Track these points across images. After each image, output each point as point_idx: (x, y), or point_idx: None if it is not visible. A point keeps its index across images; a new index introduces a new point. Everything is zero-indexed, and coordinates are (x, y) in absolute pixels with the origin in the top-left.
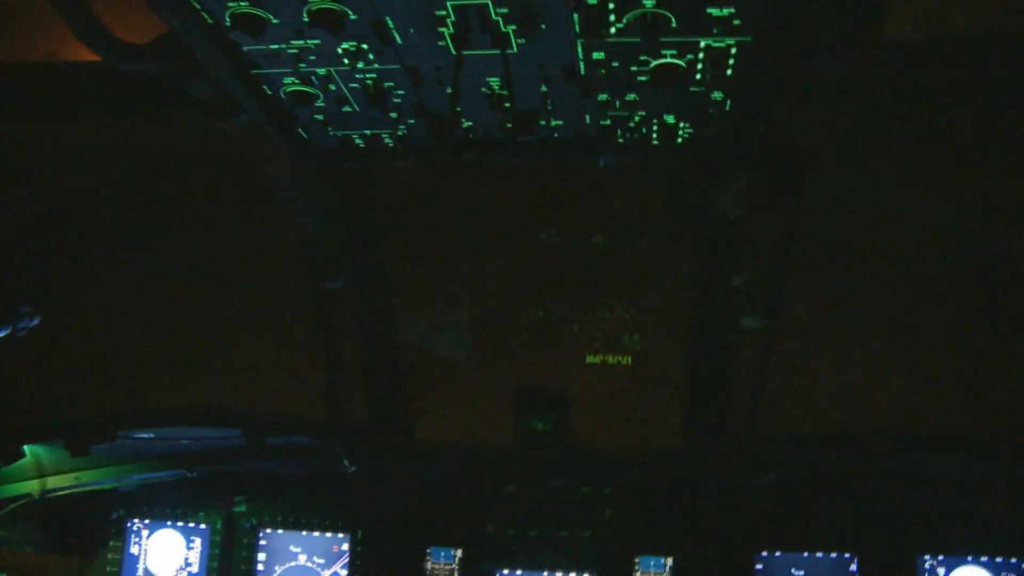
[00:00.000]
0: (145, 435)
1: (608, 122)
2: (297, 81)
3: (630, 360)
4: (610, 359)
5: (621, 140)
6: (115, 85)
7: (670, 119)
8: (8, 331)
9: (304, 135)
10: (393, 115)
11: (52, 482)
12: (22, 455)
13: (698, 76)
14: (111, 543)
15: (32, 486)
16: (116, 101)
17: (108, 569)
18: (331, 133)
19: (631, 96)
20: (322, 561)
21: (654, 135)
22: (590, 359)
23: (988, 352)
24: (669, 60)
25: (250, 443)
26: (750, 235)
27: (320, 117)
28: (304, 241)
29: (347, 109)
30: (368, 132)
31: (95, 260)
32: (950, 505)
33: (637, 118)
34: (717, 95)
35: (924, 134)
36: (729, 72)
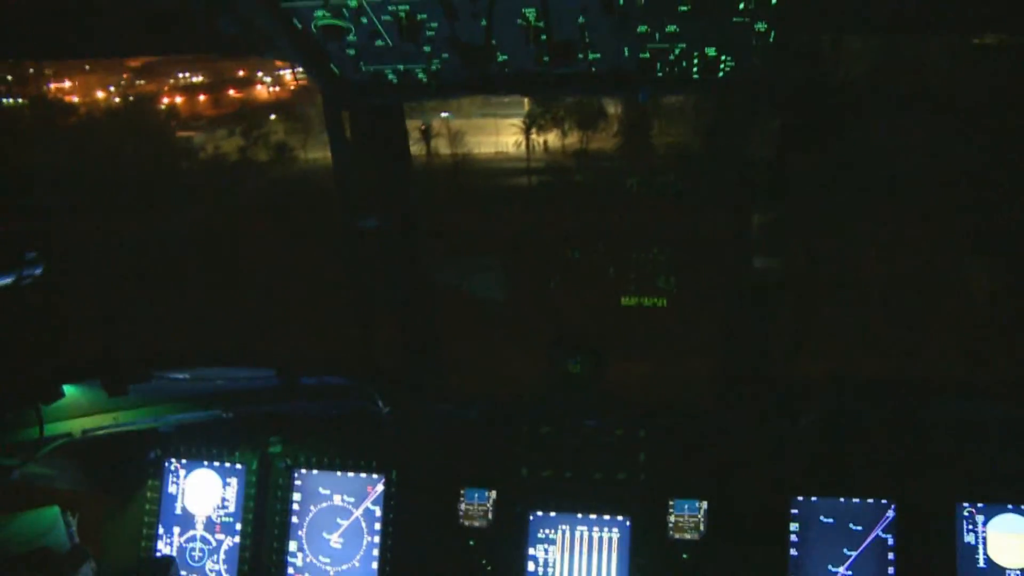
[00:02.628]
0: (181, 376)
1: (647, 55)
2: (328, 14)
3: (666, 303)
4: (646, 301)
5: (660, 74)
6: (140, 22)
7: (711, 52)
8: (13, 279)
9: (336, 71)
10: (426, 49)
11: (91, 422)
12: (62, 395)
13: (741, 6)
14: (149, 482)
15: (72, 426)
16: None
17: (147, 507)
18: (363, 68)
19: (671, 28)
20: (353, 500)
21: (694, 69)
22: (625, 301)
23: None
24: None
25: (285, 384)
26: (791, 175)
27: (352, 52)
28: (336, 179)
29: (379, 43)
30: (401, 67)
31: (131, 208)
32: (990, 453)
33: (677, 51)
34: (760, 26)
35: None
36: (774, 1)
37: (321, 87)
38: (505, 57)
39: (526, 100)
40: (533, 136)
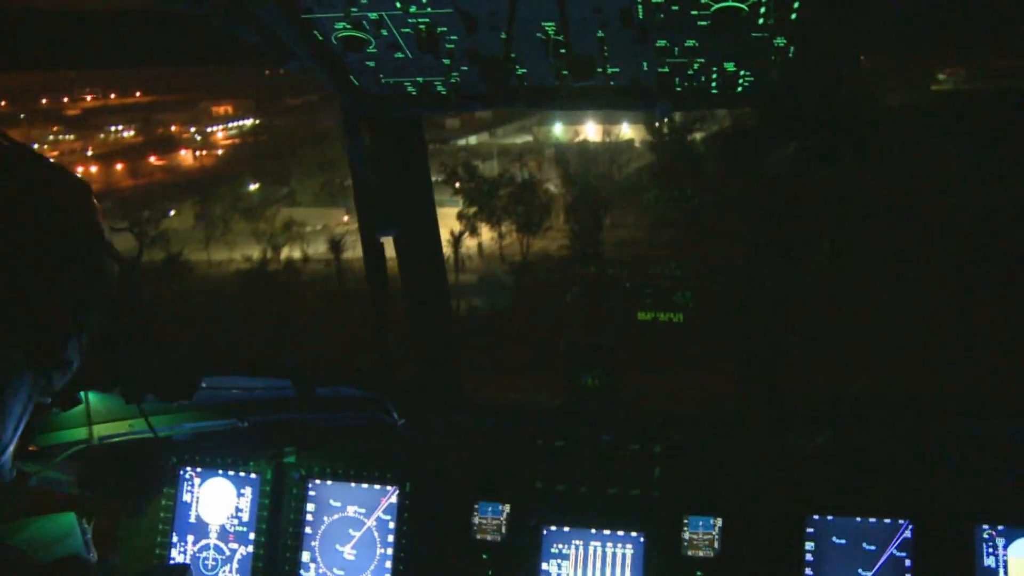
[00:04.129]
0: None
1: (666, 69)
2: (349, 26)
3: (682, 318)
4: (662, 316)
5: (679, 89)
6: (162, 32)
7: (730, 67)
8: None
9: (356, 82)
10: (446, 62)
11: (108, 429)
12: (79, 402)
13: (760, 21)
14: (164, 490)
15: (89, 432)
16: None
17: (161, 515)
18: (383, 80)
19: (690, 42)
20: (365, 511)
21: (713, 84)
22: (642, 316)
23: None
24: (731, 3)
25: (300, 394)
26: (807, 192)
27: (372, 64)
28: (355, 190)
29: (399, 56)
30: (420, 79)
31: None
32: (1011, 474)
33: (696, 66)
34: (780, 41)
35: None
36: (793, 16)
37: (341, 98)
38: (524, 71)
39: (460, 197)
40: (465, 239)
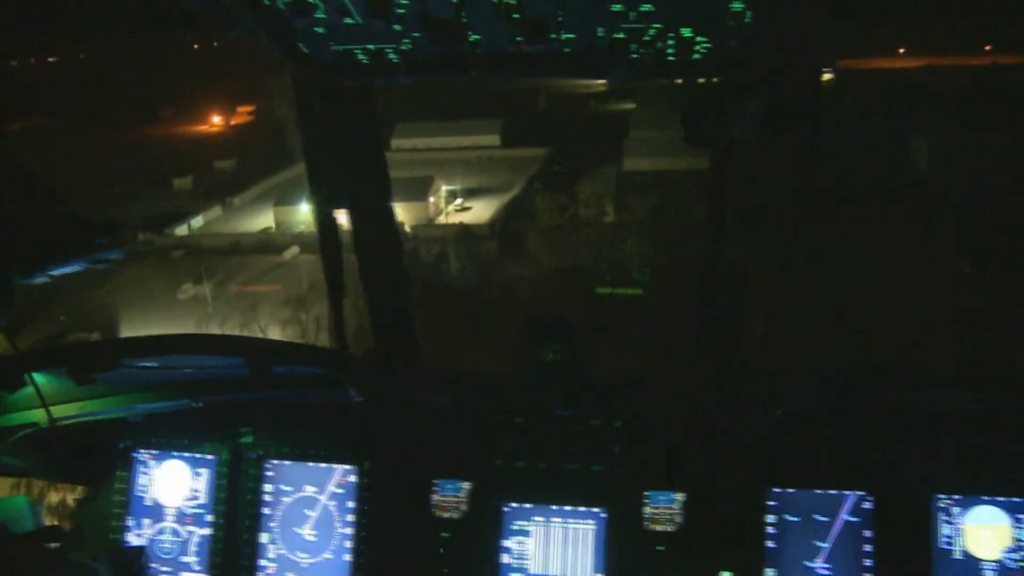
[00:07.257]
0: (149, 364)
1: (622, 35)
2: None
3: (640, 292)
4: (620, 291)
5: (635, 55)
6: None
7: (687, 32)
8: (85, 264)
9: (304, 50)
10: (397, 28)
11: (58, 411)
12: (24, 383)
13: None
14: (118, 473)
15: (39, 415)
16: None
17: (116, 498)
18: (332, 48)
19: (646, 6)
20: (319, 490)
21: (670, 50)
22: (601, 290)
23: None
24: None
25: (255, 372)
26: (763, 159)
27: (320, 30)
28: (306, 163)
29: (348, 21)
30: (371, 47)
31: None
32: (966, 444)
33: (652, 31)
34: (736, 5)
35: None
36: None
37: (289, 67)
38: (478, 37)
39: None
40: None
